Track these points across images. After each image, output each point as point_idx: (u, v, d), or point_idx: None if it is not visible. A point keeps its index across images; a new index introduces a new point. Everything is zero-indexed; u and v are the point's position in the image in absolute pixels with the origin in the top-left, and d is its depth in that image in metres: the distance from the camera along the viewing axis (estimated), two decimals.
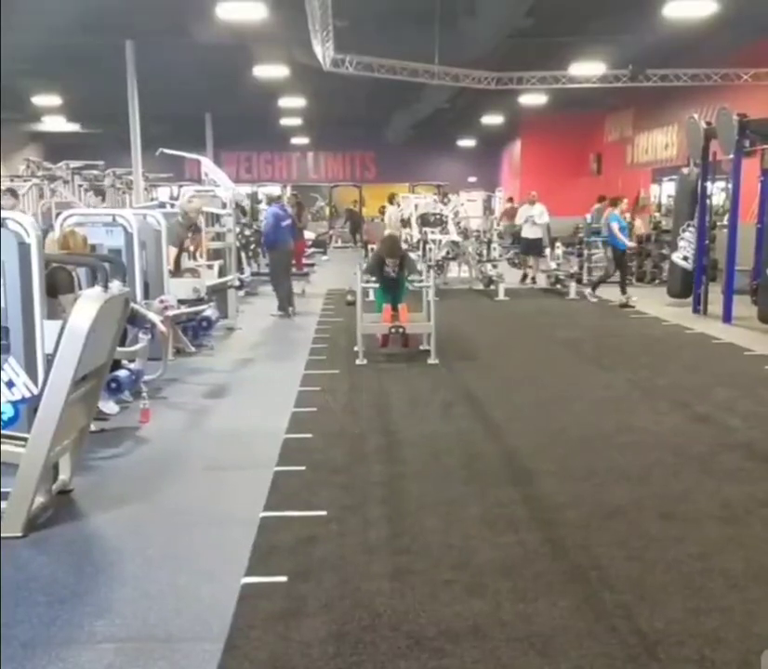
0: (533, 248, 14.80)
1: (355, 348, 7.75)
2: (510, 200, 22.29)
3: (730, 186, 11.07)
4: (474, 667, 2.69)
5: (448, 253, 14.48)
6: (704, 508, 4.07)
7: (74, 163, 16.07)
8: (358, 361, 7.62)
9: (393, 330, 7.84)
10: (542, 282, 14.25)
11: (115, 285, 3.98)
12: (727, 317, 10.16)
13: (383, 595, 3.15)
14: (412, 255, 9.16)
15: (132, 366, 5.39)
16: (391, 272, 8.27)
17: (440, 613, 3.01)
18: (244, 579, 3.28)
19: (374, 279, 8.31)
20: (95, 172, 16.75)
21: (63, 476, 4.24)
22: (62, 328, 3.68)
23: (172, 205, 9.63)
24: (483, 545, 3.62)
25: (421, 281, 8.44)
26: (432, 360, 7.64)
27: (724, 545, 3.64)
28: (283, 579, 3.28)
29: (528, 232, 14.73)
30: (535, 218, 14.53)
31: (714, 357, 8.18)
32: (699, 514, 4.00)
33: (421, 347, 8.21)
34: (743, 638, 2.85)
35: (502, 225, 18.58)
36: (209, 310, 7.15)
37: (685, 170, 11.88)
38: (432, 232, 14.41)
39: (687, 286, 11.59)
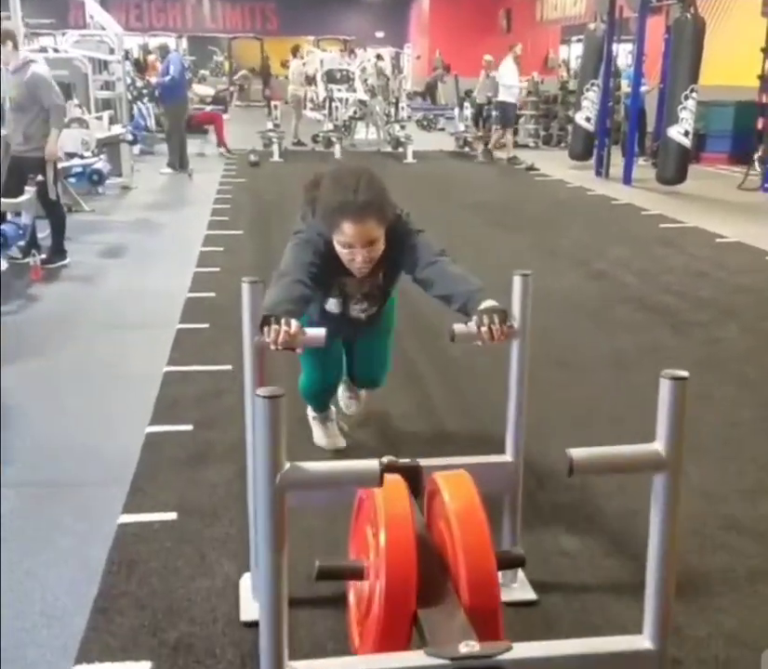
0: (512, 115, 12.55)
1: None
2: (418, 58, 21.52)
3: (635, 47, 10.91)
4: None
5: (355, 112, 13.98)
6: (597, 356, 4.26)
7: None
8: None
9: None
10: (450, 144, 14.04)
11: None
12: (627, 179, 10.31)
13: None
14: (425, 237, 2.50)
15: (19, 220, 5.11)
16: (359, 301, 2.68)
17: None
18: (148, 428, 3.29)
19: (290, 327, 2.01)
20: None
21: None
22: None
23: (56, 50, 8.87)
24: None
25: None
26: None
27: (612, 388, 3.84)
28: (188, 427, 3.30)
29: (506, 95, 12.28)
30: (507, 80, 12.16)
31: (613, 217, 8.37)
32: (593, 362, 4.19)
33: None
34: None
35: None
36: (100, 163, 6.73)
37: (592, 26, 11.61)
38: (339, 90, 13.85)
39: (589, 148, 11.62)
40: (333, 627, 2.10)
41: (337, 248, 2.36)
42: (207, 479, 2.89)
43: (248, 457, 2.14)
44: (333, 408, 3.14)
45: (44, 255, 5.65)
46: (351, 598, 1.98)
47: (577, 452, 1.42)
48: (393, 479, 1.74)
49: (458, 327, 2.14)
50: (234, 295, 5.08)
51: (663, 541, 1.46)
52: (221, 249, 6.50)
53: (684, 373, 1.40)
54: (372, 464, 1.40)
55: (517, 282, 2.20)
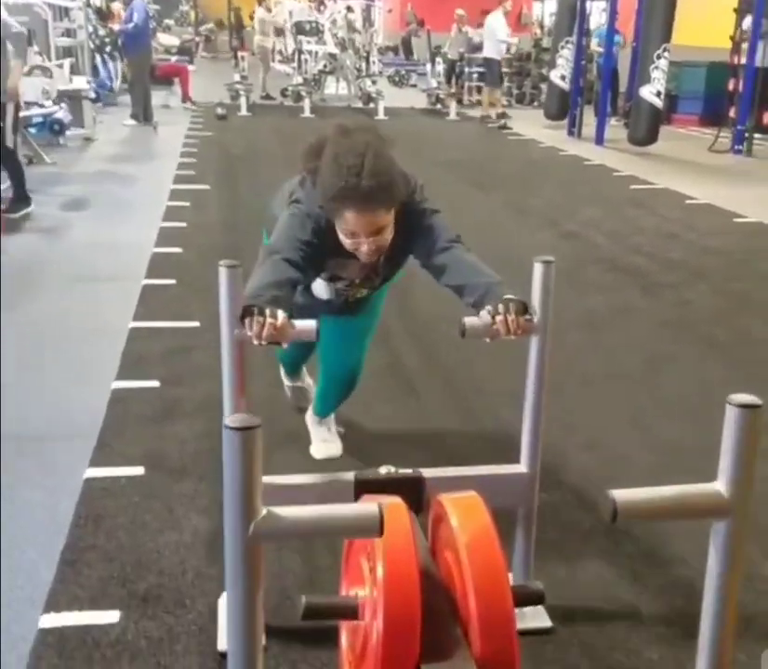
0: (497, 73, 12.02)
1: None
2: (390, 11, 21.06)
3: (608, 5, 10.76)
4: None
5: (325, 66, 13.71)
6: (568, 317, 4.25)
7: None
8: None
9: None
10: (423, 101, 13.84)
11: None
12: (600, 139, 10.27)
13: None
14: (440, 218, 2.13)
15: None
16: (353, 287, 2.33)
17: None
18: (114, 383, 3.24)
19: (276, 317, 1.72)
20: None
21: None
22: None
23: None
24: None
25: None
26: None
27: (584, 348, 3.85)
28: (155, 384, 3.25)
29: (492, 51, 11.83)
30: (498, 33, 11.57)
31: (585, 178, 8.35)
32: (564, 323, 4.17)
33: None
34: (592, 427, 3.09)
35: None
36: (61, 112, 6.50)
37: None
38: (308, 42, 13.54)
39: (564, 107, 11.53)
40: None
41: (340, 236, 2.01)
42: (175, 435, 2.85)
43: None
44: (308, 378, 3.07)
45: (5, 206, 5.50)
46: (344, 637, 1.72)
47: (622, 495, 1.11)
48: (393, 503, 1.46)
49: (470, 320, 1.84)
50: (202, 250, 5.05)
51: (721, 597, 1.19)
52: (188, 204, 6.38)
53: (757, 400, 1.11)
54: (370, 509, 1.11)
55: (538, 269, 1.86)
